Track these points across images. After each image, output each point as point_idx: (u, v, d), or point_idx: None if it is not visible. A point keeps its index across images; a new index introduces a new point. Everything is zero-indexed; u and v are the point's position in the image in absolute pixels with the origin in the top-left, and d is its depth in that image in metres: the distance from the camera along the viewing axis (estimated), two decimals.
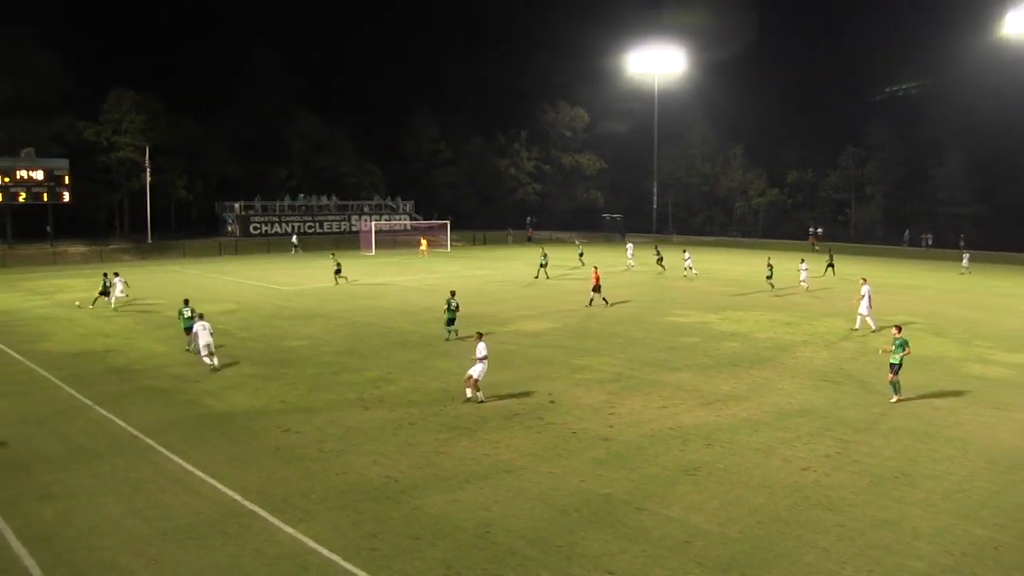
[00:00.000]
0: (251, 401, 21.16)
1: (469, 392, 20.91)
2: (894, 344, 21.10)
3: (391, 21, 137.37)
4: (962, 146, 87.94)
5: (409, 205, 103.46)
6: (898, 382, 21.30)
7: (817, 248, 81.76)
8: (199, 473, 16.03)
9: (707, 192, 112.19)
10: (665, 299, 41.20)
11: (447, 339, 29.15)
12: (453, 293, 31.18)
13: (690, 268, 51.01)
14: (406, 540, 13.18)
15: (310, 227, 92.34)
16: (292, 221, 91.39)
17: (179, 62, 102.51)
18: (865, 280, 33.30)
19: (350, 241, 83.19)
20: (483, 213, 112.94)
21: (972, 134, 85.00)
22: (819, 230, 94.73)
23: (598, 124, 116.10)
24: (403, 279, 51.08)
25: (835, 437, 18.30)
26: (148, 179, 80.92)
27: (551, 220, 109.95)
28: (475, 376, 20.80)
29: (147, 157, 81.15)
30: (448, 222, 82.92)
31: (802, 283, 44.87)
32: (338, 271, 48.40)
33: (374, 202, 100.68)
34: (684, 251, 49.81)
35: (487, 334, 25.75)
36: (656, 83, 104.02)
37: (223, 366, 24.93)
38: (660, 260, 56.93)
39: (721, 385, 22.92)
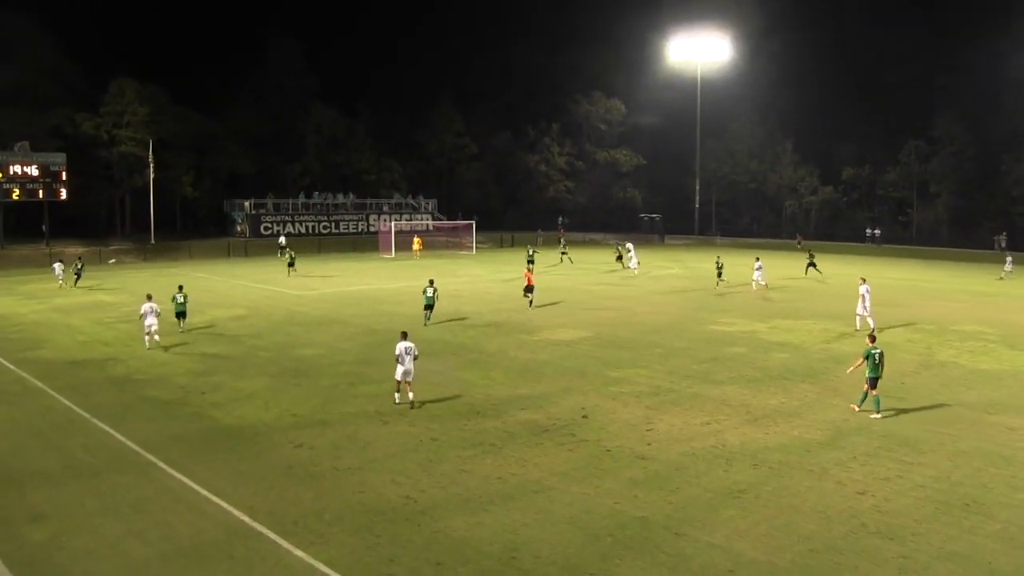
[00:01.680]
0: (261, 414, 21.25)
1: (398, 397, 21.78)
2: (867, 356, 21.16)
3: (413, 8, 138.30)
4: None
5: (431, 204, 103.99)
6: (878, 397, 21.22)
7: (800, 247, 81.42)
8: (204, 491, 16.10)
9: (754, 190, 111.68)
10: (708, 307, 40.98)
11: (425, 325, 33.79)
12: (431, 282, 35.24)
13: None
14: (426, 566, 13.14)
15: (325, 227, 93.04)
16: (307, 221, 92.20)
17: (186, 51, 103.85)
18: (864, 280, 34.50)
19: (368, 242, 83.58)
20: (511, 213, 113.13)
21: None
22: (877, 232, 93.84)
23: (635, 117, 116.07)
24: (425, 284, 51.27)
25: (896, 458, 18.03)
26: (152, 175, 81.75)
27: (584, 220, 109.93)
28: (397, 378, 21.54)
29: (151, 152, 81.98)
30: (473, 222, 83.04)
31: (755, 281, 47.57)
32: (291, 264, 55.59)
33: (394, 201, 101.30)
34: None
35: (516, 342, 25.66)
36: (699, 72, 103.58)
37: (231, 375, 25.07)
38: (619, 258, 59.18)
39: (769, 400, 22.70)
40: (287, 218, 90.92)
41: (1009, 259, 58.68)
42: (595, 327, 34.38)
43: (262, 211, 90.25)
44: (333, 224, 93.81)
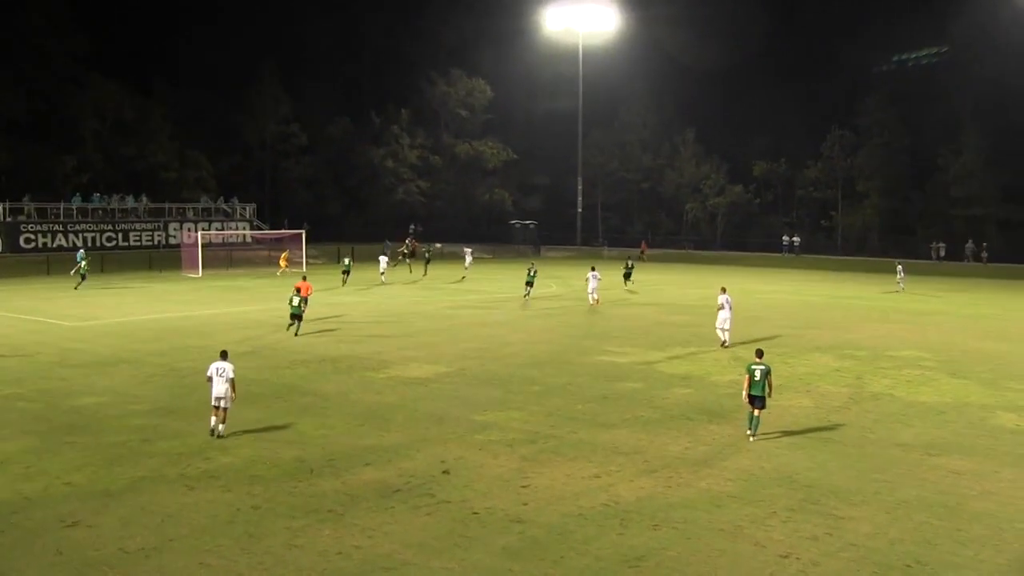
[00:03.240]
0: (20, 485, 20.35)
1: (213, 421, 23.63)
2: (752, 372, 23.23)
3: None
4: (984, 129, 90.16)
5: (250, 209, 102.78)
6: (758, 418, 23.46)
7: (645, 257, 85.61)
8: None
9: (648, 190, 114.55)
10: (594, 333, 41.66)
11: (296, 335, 38.84)
12: (299, 289, 39.85)
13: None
14: None
15: (110, 239, 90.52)
16: (85, 230, 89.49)
17: None
18: (724, 289, 38.47)
19: (168, 258, 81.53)
20: (351, 219, 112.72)
21: (997, 114, 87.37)
22: (795, 240, 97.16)
23: (504, 101, 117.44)
24: (243, 309, 50.31)
25: (824, 512, 18.58)
26: None
27: (443, 228, 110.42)
28: (224, 402, 23.49)
29: None
30: (303, 232, 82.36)
31: (590, 295, 51.63)
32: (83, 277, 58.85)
33: (201, 205, 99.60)
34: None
35: (359, 381, 25.43)
36: (581, 46, 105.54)
37: None
38: (346, 272, 64.83)
39: (670, 445, 23.12)
40: (57, 227, 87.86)
41: (900, 268, 62.18)
42: (457, 360, 34.44)
43: (21, 218, 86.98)
44: (120, 235, 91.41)
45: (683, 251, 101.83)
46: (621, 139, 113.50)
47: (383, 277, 66.13)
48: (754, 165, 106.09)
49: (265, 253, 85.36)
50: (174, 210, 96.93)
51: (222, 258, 78.34)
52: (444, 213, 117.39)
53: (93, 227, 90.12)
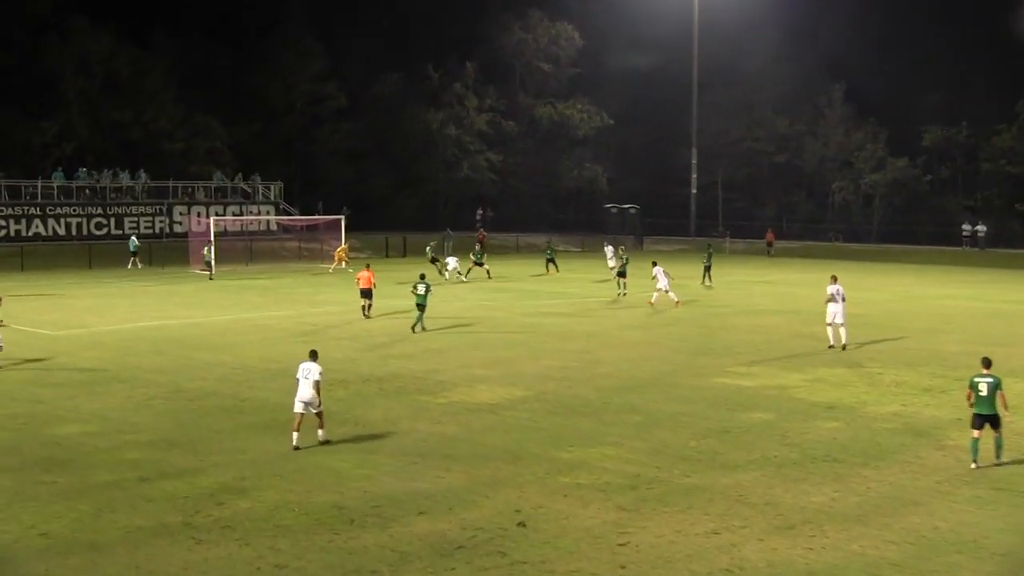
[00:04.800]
0: None
1: (295, 437, 25.50)
2: (975, 387, 24.03)
3: None
4: None
5: (274, 189, 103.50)
6: (999, 439, 24.27)
7: (771, 252, 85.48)
8: None
9: (783, 165, 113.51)
10: (713, 347, 41.59)
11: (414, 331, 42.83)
12: (423, 276, 44.64)
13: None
14: None
15: (100, 225, 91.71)
16: (67, 215, 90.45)
17: None
18: (835, 278, 41.91)
19: (172, 250, 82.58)
20: (403, 203, 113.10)
21: None
22: (980, 229, 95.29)
23: (597, 52, 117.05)
24: (266, 315, 50.98)
25: None
26: None
27: (518, 214, 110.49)
28: (312, 408, 25.91)
29: None
30: (342, 218, 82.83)
31: (666, 292, 53.81)
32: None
33: (214, 184, 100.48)
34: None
35: (413, 407, 25.58)
36: None
37: None
38: (435, 261, 66.99)
39: (812, 495, 22.90)
40: (33, 211, 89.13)
41: None
42: (536, 382, 34.50)
43: None
44: (113, 221, 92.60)
45: (828, 244, 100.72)
46: (748, 99, 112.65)
47: (460, 275, 67.66)
48: (924, 132, 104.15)
49: (294, 244, 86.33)
50: (180, 190, 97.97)
51: (240, 250, 79.28)
52: (520, 194, 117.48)
53: (79, 211, 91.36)
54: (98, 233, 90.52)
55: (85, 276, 68.76)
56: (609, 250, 70.96)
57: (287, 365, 36.95)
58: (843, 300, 40.88)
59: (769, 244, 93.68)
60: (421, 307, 45.18)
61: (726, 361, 38.39)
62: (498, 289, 62.68)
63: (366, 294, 49.38)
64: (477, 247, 76.59)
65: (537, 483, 23.53)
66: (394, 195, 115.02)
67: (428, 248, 74.41)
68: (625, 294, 59.99)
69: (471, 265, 70.19)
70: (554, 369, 36.81)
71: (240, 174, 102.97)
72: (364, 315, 49.24)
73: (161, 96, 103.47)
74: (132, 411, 30.62)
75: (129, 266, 76.49)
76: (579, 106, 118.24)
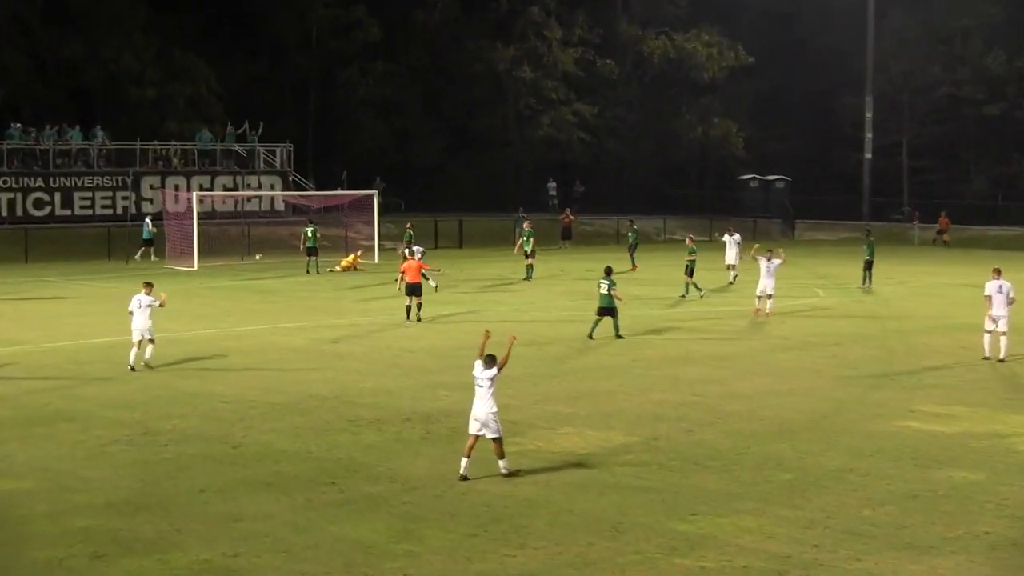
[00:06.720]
0: None
1: (463, 463, 27.50)
2: None
3: None
4: None
5: (282, 153, 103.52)
6: None
7: (945, 239, 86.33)
8: None
9: (997, 120, 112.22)
10: (896, 375, 41.35)
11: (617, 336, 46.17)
12: (608, 271, 48.19)
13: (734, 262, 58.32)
14: None
15: (42, 204, 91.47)
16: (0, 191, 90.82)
17: None
18: (998, 272, 42.99)
19: (140, 236, 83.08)
20: (459, 173, 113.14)
21: None
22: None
23: None
24: (269, 327, 51.51)
25: None
26: None
27: (617, 188, 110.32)
28: (488, 432, 27.45)
29: None
30: (375, 193, 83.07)
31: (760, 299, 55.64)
32: None
33: (198, 146, 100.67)
34: (729, 231, 54.76)
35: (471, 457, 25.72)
36: None
37: None
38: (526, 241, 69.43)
39: None
40: None
41: None
42: (643, 424, 34.46)
43: None
44: (59, 197, 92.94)
45: None
46: (944, 27, 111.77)
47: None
48: None
49: (307, 231, 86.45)
50: (150, 155, 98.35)
51: (234, 238, 79.78)
52: (622, 160, 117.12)
53: (12, 183, 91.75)
54: (37, 214, 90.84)
55: (21, 273, 69.44)
56: (732, 240, 71.18)
57: (297, 398, 37.15)
58: (1009, 302, 42.07)
59: (940, 231, 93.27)
60: (604, 311, 47.65)
61: (914, 397, 37.95)
62: (585, 293, 62.66)
63: (413, 290, 50.16)
64: (561, 233, 76.94)
65: (645, 566, 23.37)
66: (446, 163, 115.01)
67: (522, 227, 74.88)
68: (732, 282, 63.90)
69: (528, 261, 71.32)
70: (668, 406, 36.53)
71: (232, 130, 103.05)
72: (408, 318, 50.23)
73: (126, 23, 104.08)
74: (83, 461, 30.68)
75: (138, 257, 78.59)
76: (705, 37, 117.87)
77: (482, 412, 27.63)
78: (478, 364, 28.30)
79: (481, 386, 27.86)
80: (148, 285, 42.77)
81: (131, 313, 42.07)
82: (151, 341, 41.67)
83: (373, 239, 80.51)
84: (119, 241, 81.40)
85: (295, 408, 35.87)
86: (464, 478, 27.60)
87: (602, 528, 25.38)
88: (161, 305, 42.37)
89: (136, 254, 78.30)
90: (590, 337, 47.65)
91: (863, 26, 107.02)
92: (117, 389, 38.91)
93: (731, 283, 67.43)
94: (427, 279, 50.34)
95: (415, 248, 67.44)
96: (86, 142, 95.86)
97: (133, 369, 41.47)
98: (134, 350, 41.76)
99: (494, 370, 28.03)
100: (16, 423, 34.48)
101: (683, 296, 62.05)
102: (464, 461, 27.66)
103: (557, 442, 32.36)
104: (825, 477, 29.20)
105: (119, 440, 32.56)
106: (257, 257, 77.33)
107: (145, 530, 25.25)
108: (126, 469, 29.83)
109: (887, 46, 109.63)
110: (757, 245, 57.97)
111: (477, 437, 27.67)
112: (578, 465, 30.14)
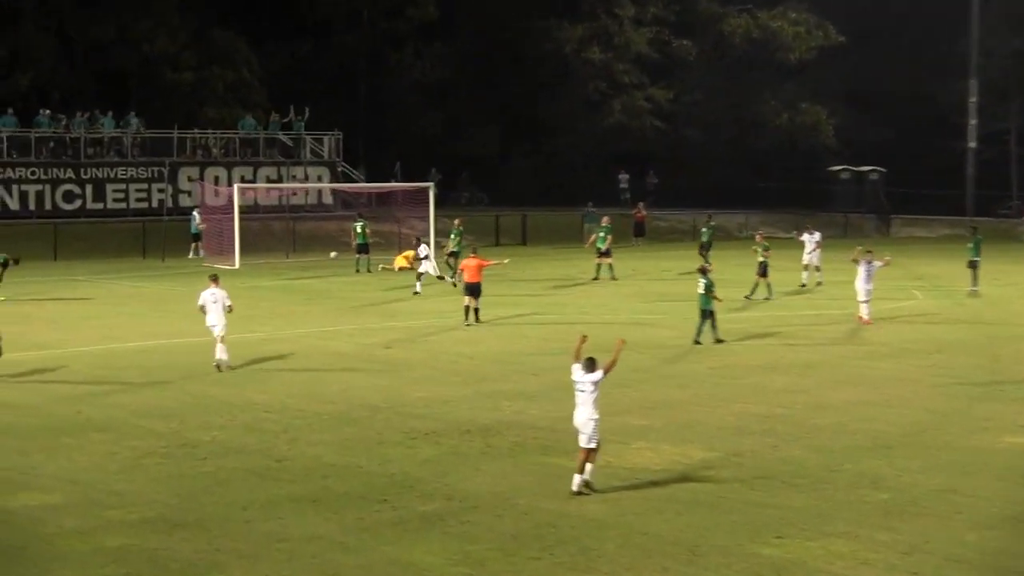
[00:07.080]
0: None
1: (580, 479, 28.11)
2: None
3: None
4: None
5: (330, 143, 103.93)
6: None
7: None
8: None
9: None
10: (1005, 387, 40.96)
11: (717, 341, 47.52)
12: (703, 270, 49.05)
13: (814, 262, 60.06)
14: None
15: (70, 196, 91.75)
16: (26, 181, 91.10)
17: None
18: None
19: (177, 232, 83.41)
20: (521, 164, 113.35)
21: None
22: None
23: None
24: (317, 330, 51.75)
25: None
26: None
27: (694, 180, 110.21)
28: (582, 439, 28.19)
29: None
30: (431, 186, 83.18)
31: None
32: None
33: (240, 134, 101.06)
34: (807, 230, 54.74)
35: (535, 474, 25.32)
36: None
37: None
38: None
39: None
40: None
41: None
42: (723, 438, 34.33)
43: None
44: (91, 189, 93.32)
45: None
46: None
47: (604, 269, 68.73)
48: None
49: (356, 227, 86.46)
50: (189, 143, 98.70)
51: (278, 233, 79.92)
52: (699, 150, 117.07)
53: (40, 174, 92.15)
54: (68, 207, 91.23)
55: (49, 271, 69.68)
56: (811, 239, 69.52)
57: (346, 408, 37.00)
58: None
59: None
60: (706, 313, 48.48)
61: (1006, 409, 37.63)
62: (659, 295, 62.23)
63: (472, 290, 50.61)
64: (633, 230, 76.68)
65: None
66: (507, 152, 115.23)
67: (598, 222, 74.86)
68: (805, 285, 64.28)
69: (600, 260, 70.40)
70: (751, 418, 36.36)
71: (279, 120, 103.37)
72: (467, 320, 50.74)
73: (160, 1, 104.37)
74: (116, 474, 30.60)
75: (191, 254, 79.61)
76: (792, 15, 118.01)
77: (582, 418, 28.14)
78: (576, 368, 28.65)
79: (583, 391, 28.30)
80: (215, 279, 43.55)
81: (202, 309, 43.01)
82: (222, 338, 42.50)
83: (429, 235, 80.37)
84: (154, 237, 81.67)
85: (344, 419, 35.72)
86: (577, 493, 28.00)
87: (678, 551, 25.15)
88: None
89: (189, 252, 79.04)
90: (696, 343, 48.21)
91: (966, 1, 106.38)
92: (152, 397, 38.87)
93: (804, 286, 67.26)
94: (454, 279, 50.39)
95: (421, 247, 68.05)
96: (119, 130, 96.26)
97: (219, 369, 42.59)
98: (219, 346, 42.65)
99: (599, 373, 28.40)
100: (44, 432, 34.46)
101: (748, 297, 62.04)
102: (577, 479, 27.97)
103: (629, 457, 32.18)
104: (925, 497, 28.82)
105: (154, 452, 32.55)
106: (332, 255, 77.18)
107: (182, 549, 25.11)
108: (162, 483, 29.80)
109: (993, 23, 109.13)
110: (859, 248, 57.33)
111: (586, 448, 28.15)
112: (652, 483, 30.00)
